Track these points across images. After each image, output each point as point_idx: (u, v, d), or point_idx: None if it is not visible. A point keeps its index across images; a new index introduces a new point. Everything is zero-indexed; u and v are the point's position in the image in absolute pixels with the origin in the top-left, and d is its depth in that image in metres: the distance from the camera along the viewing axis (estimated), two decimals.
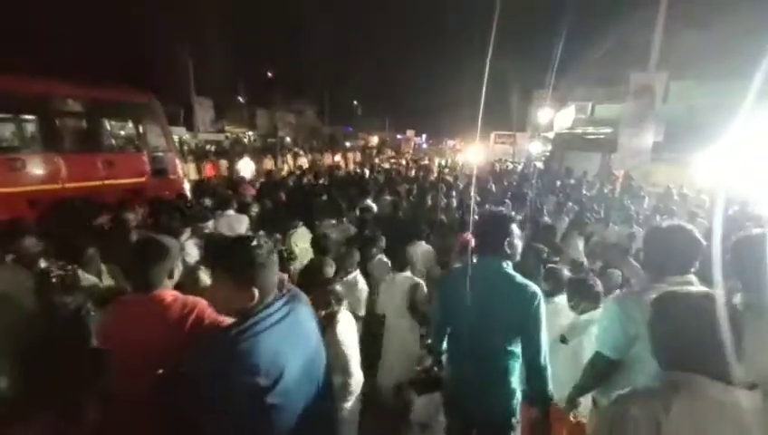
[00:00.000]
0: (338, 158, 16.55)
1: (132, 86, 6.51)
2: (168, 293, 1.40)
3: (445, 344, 1.90)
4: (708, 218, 6.22)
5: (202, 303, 1.40)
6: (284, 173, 9.91)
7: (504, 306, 1.61)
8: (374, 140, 33.73)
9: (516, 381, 1.69)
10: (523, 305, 1.58)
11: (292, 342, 1.21)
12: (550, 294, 2.39)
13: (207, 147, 15.65)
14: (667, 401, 0.94)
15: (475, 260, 1.75)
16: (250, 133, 28.79)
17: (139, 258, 1.39)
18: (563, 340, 2.16)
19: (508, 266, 1.67)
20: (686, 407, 0.93)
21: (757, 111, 6.10)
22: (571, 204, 6.77)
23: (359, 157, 18.80)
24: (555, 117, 17.08)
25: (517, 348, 1.65)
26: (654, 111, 8.94)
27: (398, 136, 33.13)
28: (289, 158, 13.41)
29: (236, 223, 3.74)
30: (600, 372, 1.60)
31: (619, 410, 1.00)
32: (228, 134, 25.00)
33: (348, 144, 28.12)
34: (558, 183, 9.63)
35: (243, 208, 4.16)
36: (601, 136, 13.25)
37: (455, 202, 6.64)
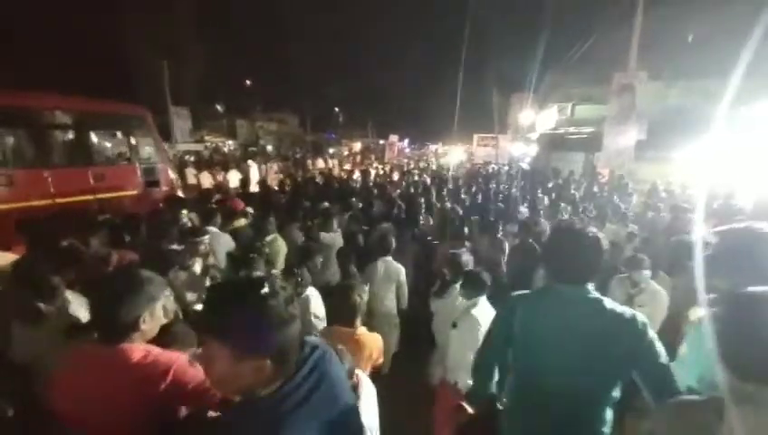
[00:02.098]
0: (322, 164, 16.26)
1: (124, 99, 6.62)
2: (138, 348, 1.09)
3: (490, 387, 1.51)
4: (696, 213, 6.25)
5: (180, 362, 1.08)
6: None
7: (605, 341, 1.28)
8: (357, 145, 33.57)
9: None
10: (631, 338, 1.28)
11: (325, 430, 0.85)
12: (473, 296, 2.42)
13: (186, 157, 15.11)
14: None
15: (551, 286, 1.42)
16: (230, 142, 28.19)
17: (104, 299, 1.08)
18: (454, 325, 2.33)
19: (594, 291, 1.36)
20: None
21: (734, 108, 6.19)
22: (563, 204, 6.71)
23: (344, 164, 18.55)
24: (537, 118, 17.32)
25: (616, 392, 1.34)
26: (636, 110, 9.08)
27: (381, 141, 33.04)
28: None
29: (217, 243, 3.34)
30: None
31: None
32: (208, 144, 24.36)
33: (331, 151, 27.86)
34: (550, 184, 9.62)
35: (226, 223, 3.85)
36: (584, 136, 13.44)
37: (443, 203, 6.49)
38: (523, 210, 6.27)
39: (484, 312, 2.30)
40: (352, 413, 0.96)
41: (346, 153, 27.76)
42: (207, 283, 2.68)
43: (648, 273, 2.88)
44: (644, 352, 1.28)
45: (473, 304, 2.34)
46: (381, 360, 2.08)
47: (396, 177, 11.48)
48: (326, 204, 5.10)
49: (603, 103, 10.82)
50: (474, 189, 8.50)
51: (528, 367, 1.37)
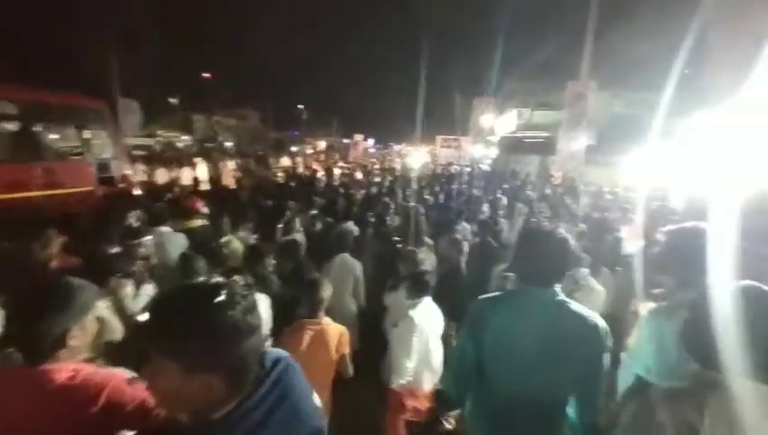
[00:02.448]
0: (288, 162, 15.82)
1: (79, 90, 6.34)
2: (65, 367, 0.94)
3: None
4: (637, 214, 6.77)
5: (116, 382, 0.94)
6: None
7: (571, 346, 1.28)
8: (321, 144, 33.09)
9: None
10: (592, 344, 1.30)
11: None
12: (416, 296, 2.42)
13: (135, 152, 14.11)
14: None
15: (519, 289, 1.42)
16: (185, 138, 26.72)
17: (23, 312, 0.93)
18: (395, 325, 2.38)
19: (561, 293, 1.34)
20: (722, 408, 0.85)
21: (670, 119, 6.78)
22: (520, 205, 7.01)
23: (310, 162, 18.18)
24: (497, 122, 18.00)
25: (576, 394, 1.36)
26: (587, 117, 9.71)
27: (345, 140, 32.85)
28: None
29: (169, 244, 3.11)
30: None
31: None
32: (160, 139, 22.93)
33: (294, 149, 27.26)
34: (506, 186, 10.01)
35: (181, 223, 3.61)
36: (540, 140, 14.15)
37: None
38: (485, 210, 6.48)
39: (424, 314, 2.30)
40: (319, 429, 0.88)
41: (310, 151, 27.29)
42: (151, 289, 2.47)
43: (586, 271, 3.02)
44: (596, 362, 1.30)
45: (412, 304, 2.34)
46: (348, 350, 2.09)
47: (360, 176, 11.44)
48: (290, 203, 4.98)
49: (558, 109, 11.44)
50: (437, 190, 8.66)
51: (497, 372, 1.34)
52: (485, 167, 16.59)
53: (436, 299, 2.56)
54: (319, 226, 4.51)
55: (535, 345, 1.26)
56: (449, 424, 1.60)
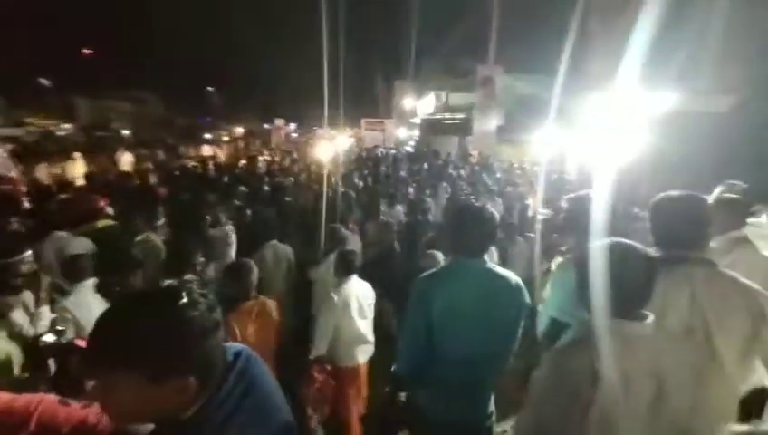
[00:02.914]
0: (209, 151, 14.40)
1: None
2: None
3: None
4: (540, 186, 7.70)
5: (46, 404, 0.84)
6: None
7: (501, 303, 1.48)
8: (239, 130, 30.86)
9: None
10: (519, 302, 1.52)
11: None
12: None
13: None
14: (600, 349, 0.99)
15: (455, 261, 1.55)
16: (67, 126, 22.76)
17: None
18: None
19: (489, 261, 1.54)
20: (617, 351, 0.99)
21: (563, 99, 7.74)
22: (444, 184, 7.47)
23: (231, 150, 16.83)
24: (418, 104, 18.60)
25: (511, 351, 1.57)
26: (496, 99, 10.56)
27: (266, 125, 31.11)
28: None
29: (73, 249, 2.64)
30: None
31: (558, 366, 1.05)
32: (31, 128, 19.21)
33: (208, 136, 25.00)
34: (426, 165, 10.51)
35: (81, 225, 3.13)
36: (457, 121, 15.01)
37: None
38: (411, 191, 6.77)
39: (350, 292, 2.41)
40: (287, 421, 0.89)
41: (226, 139, 25.27)
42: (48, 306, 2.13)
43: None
44: (519, 312, 1.53)
45: (338, 283, 2.44)
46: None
47: (287, 163, 11.02)
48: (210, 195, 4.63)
49: (471, 92, 12.21)
50: (365, 173, 8.77)
51: (447, 337, 1.47)
52: (410, 149, 17.16)
53: (372, 280, 2.64)
54: (248, 214, 4.30)
55: (475, 308, 1.44)
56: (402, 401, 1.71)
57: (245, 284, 2.05)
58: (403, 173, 8.71)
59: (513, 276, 1.56)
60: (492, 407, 1.64)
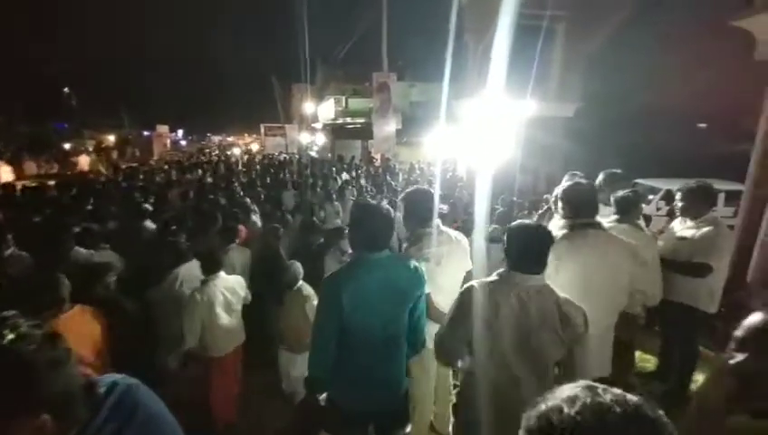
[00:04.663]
0: (85, 161, 11.98)
1: None
2: None
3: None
4: (438, 183, 8.43)
5: None
6: None
7: (403, 287, 1.63)
8: (110, 138, 26.53)
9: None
10: (417, 285, 1.68)
11: None
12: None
13: None
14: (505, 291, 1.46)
15: (360, 256, 1.63)
16: None
17: None
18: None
19: (390, 253, 1.68)
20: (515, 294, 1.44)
21: (450, 104, 8.60)
22: (351, 187, 7.63)
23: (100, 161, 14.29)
24: (318, 109, 18.53)
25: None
26: (392, 104, 11.15)
27: (146, 133, 27.39)
28: None
29: None
30: None
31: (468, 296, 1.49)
32: None
33: (67, 146, 20.95)
34: (333, 168, 10.58)
35: None
36: (358, 126, 15.41)
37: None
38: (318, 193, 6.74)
39: (212, 291, 2.52)
40: None
41: (91, 148, 21.46)
42: None
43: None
44: (419, 293, 1.69)
45: (205, 280, 2.55)
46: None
47: (174, 175, 9.89)
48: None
49: (369, 97, 12.68)
50: (268, 181, 8.43)
51: (358, 323, 1.54)
52: (314, 154, 17.00)
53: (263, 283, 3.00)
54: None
55: (381, 293, 1.56)
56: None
57: (54, 297, 1.87)
58: (311, 179, 8.60)
59: (412, 262, 1.71)
60: (404, 390, 1.73)
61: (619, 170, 2.98)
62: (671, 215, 5.74)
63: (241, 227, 3.82)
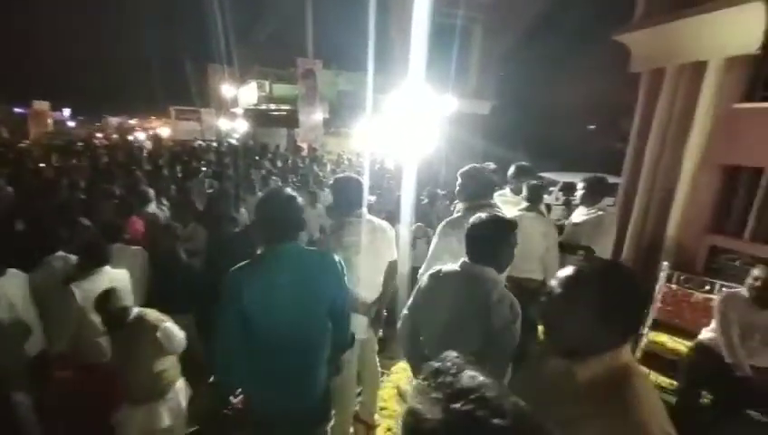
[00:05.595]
0: None
1: None
2: None
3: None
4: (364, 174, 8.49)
5: None
6: None
7: (317, 281, 1.51)
8: None
9: (327, 362, 1.63)
10: (333, 274, 1.56)
11: None
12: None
13: None
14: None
15: (268, 249, 1.49)
16: None
17: None
18: None
19: (300, 244, 1.55)
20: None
21: (377, 95, 8.65)
22: (274, 178, 7.25)
23: None
24: (239, 93, 17.19)
25: (329, 327, 1.60)
26: (318, 92, 10.82)
27: (19, 109, 22.76)
28: None
29: None
30: None
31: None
32: None
33: None
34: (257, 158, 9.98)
35: None
36: (283, 113, 14.69)
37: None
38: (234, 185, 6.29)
39: (91, 287, 2.18)
40: None
41: None
42: None
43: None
44: (338, 286, 1.58)
45: (82, 275, 2.24)
46: None
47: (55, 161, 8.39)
48: None
49: (294, 83, 12.12)
50: (179, 169, 7.61)
51: (263, 323, 1.43)
52: (234, 141, 15.80)
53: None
54: None
55: (289, 289, 1.43)
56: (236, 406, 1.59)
57: None
58: (230, 170, 7.96)
59: (329, 256, 1.60)
60: (323, 390, 1.63)
61: (527, 164, 3.30)
62: (567, 205, 6.54)
63: (136, 220, 3.36)
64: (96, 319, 2.07)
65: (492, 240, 1.50)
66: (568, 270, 0.90)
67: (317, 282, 1.52)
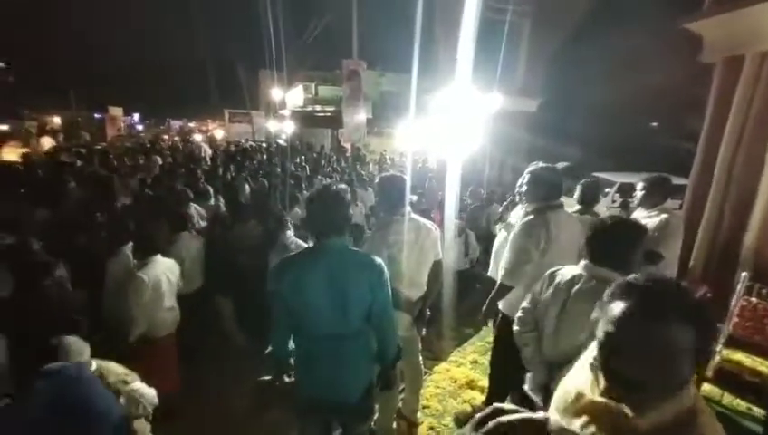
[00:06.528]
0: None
1: None
2: None
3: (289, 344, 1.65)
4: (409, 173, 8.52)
5: None
6: None
7: (356, 280, 1.54)
8: (56, 120, 24.32)
9: (373, 361, 1.69)
10: (373, 274, 1.56)
11: None
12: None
13: None
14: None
15: (317, 243, 1.57)
16: None
17: None
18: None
19: (350, 243, 1.63)
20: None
21: (422, 96, 8.63)
22: (320, 177, 7.49)
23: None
24: (286, 96, 17.93)
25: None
26: (362, 93, 10.99)
27: (97, 115, 25.36)
28: None
29: None
30: None
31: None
32: None
33: (2, 128, 19.00)
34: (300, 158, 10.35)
35: None
36: (328, 114, 15.10)
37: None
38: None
39: (158, 271, 2.43)
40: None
41: (34, 131, 19.61)
42: None
43: None
44: (378, 288, 1.57)
45: (140, 265, 2.42)
46: None
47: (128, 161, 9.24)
48: None
49: (339, 85, 12.42)
50: (232, 169, 8.09)
51: (302, 314, 1.52)
52: (282, 142, 16.50)
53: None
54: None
55: (328, 285, 1.50)
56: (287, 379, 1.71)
57: None
58: (278, 167, 8.35)
59: (365, 254, 1.64)
60: (365, 386, 1.66)
61: (572, 165, 3.12)
62: (625, 207, 6.11)
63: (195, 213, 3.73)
64: (163, 299, 2.43)
65: (626, 244, 1.46)
66: (649, 294, 0.73)
67: (352, 280, 1.53)
